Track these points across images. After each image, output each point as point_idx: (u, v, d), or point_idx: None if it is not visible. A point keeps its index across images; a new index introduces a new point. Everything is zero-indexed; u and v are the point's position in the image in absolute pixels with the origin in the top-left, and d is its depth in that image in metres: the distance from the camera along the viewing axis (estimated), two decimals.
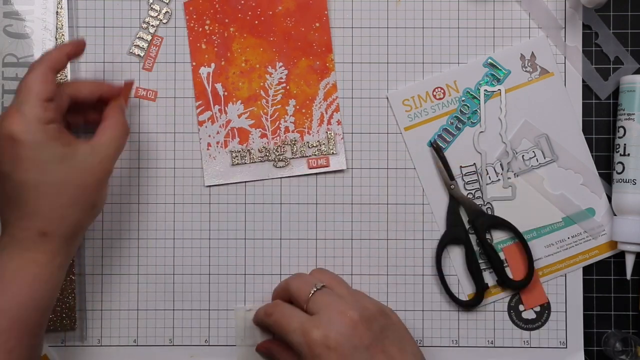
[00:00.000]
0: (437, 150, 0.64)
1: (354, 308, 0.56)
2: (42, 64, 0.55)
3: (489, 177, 0.65)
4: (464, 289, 0.65)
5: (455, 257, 0.65)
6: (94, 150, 0.55)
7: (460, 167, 0.65)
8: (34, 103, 0.53)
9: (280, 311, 0.58)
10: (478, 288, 0.64)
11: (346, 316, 0.55)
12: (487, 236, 0.64)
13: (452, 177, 0.64)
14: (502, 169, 0.65)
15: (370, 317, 0.56)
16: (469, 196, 0.65)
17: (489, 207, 0.65)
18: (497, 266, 0.64)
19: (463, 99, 0.65)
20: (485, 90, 0.65)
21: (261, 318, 0.61)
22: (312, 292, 0.58)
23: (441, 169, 0.64)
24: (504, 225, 0.64)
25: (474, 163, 0.65)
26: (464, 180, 0.65)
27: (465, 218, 0.64)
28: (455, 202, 0.64)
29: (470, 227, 0.64)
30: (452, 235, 0.64)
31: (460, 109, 0.65)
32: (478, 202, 0.65)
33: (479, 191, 0.65)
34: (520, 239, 0.64)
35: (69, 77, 0.64)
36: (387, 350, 0.55)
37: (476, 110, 0.65)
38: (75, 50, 0.58)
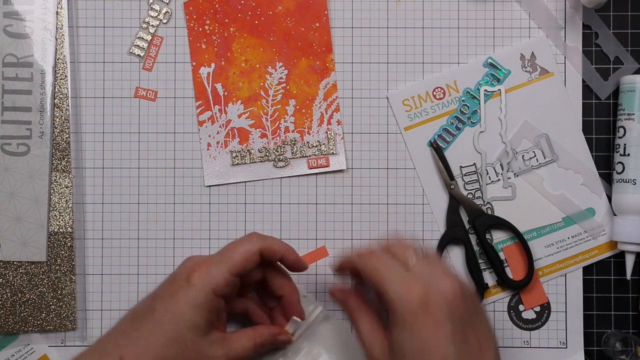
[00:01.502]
0: (437, 150, 0.64)
1: (456, 280, 0.53)
2: (259, 242, 0.56)
3: (489, 177, 0.65)
4: None
5: (455, 257, 0.65)
6: (223, 342, 0.56)
7: (460, 167, 0.65)
8: (222, 271, 0.54)
9: (381, 258, 0.54)
10: (478, 288, 0.64)
11: (450, 284, 0.52)
12: (487, 236, 0.64)
13: (452, 177, 0.64)
14: (502, 169, 0.65)
15: (468, 294, 0.53)
16: (469, 196, 0.65)
17: (489, 207, 0.65)
18: (497, 266, 0.64)
19: (463, 99, 0.65)
20: (485, 90, 0.65)
21: (353, 260, 0.56)
22: (416, 256, 0.54)
23: (441, 169, 0.64)
24: (504, 225, 0.64)
25: (474, 163, 0.65)
26: (464, 180, 0.65)
27: (465, 218, 0.64)
28: (455, 202, 0.64)
29: (470, 227, 0.64)
30: (452, 235, 0.64)
31: (460, 109, 0.65)
32: (478, 202, 0.65)
33: (479, 191, 0.65)
34: (520, 239, 0.64)
35: (69, 77, 0.64)
36: (477, 331, 0.53)
37: (476, 110, 0.65)
38: (293, 262, 0.58)
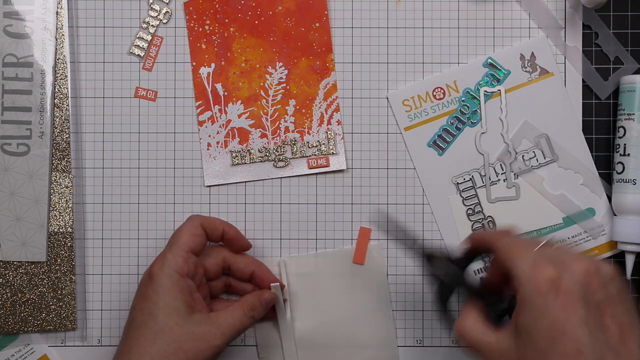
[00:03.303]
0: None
1: (592, 261, 0.48)
2: (199, 218, 0.60)
3: (489, 177, 0.65)
4: None
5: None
6: (209, 321, 0.56)
7: (457, 183, 0.64)
8: (176, 252, 0.57)
9: (514, 238, 0.52)
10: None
11: (584, 265, 0.47)
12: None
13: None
14: (504, 169, 0.65)
15: (608, 276, 0.48)
16: (468, 211, 0.64)
17: (490, 221, 0.64)
18: None
19: (463, 99, 0.65)
20: (485, 91, 0.65)
21: (483, 237, 0.54)
22: (543, 243, 0.51)
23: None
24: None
25: (471, 177, 0.65)
26: (462, 197, 0.65)
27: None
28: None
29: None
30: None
31: (460, 109, 0.65)
32: (478, 216, 0.64)
33: (479, 205, 0.65)
34: None
35: (69, 77, 0.64)
36: (618, 318, 0.47)
37: (476, 110, 0.65)
38: (234, 236, 0.61)
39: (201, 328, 0.55)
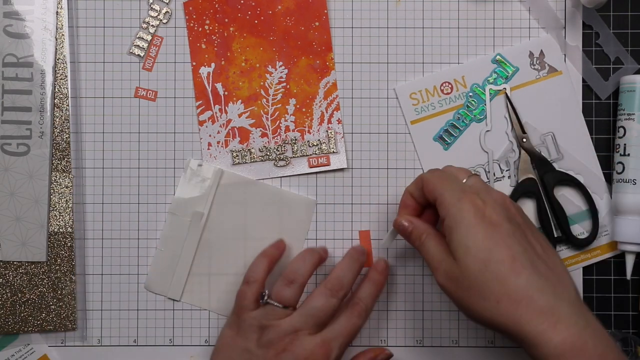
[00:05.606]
0: (510, 102, 0.64)
1: (504, 194, 0.56)
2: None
3: (494, 174, 0.65)
4: None
5: (526, 210, 0.64)
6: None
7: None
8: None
9: (438, 174, 0.57)
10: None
11: (501, 194, 0.55)
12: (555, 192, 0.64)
13: (523, 131, 0.64)
14: (509, 166, 0.64)
15: (519, 208, 0.56)
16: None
17: None
18: (562, 223, 0.63)
19: (470, 94, 0.65)
20: (491, 88, 0.65)
21: (419, 179, 0.57)
22: (470, 175, 0.56)
23: (514, 121, 0.64)
24: (572, 182, 0.63)
25: (476, 173, 0.64)
26: None
27: (535, 172, 0.64)
28: (527, 156, 0.64)
29: (540, 181, 0.64)
30: (524, 188, 0.63)
31: (467, 104, 0.65)
32: None
33: None
34: (587, 198, 0.63)
35: (69, 77, 0.64)
36: (536, 236, 0.54)
37: (483, 105, 0.65)
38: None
39: None
